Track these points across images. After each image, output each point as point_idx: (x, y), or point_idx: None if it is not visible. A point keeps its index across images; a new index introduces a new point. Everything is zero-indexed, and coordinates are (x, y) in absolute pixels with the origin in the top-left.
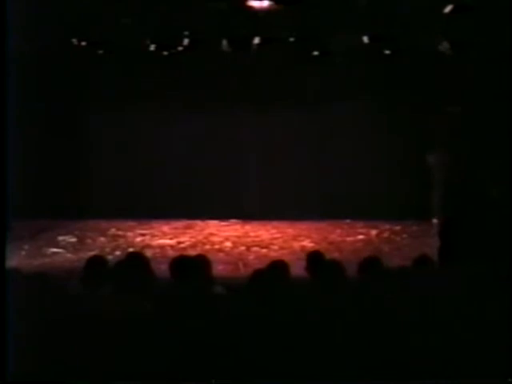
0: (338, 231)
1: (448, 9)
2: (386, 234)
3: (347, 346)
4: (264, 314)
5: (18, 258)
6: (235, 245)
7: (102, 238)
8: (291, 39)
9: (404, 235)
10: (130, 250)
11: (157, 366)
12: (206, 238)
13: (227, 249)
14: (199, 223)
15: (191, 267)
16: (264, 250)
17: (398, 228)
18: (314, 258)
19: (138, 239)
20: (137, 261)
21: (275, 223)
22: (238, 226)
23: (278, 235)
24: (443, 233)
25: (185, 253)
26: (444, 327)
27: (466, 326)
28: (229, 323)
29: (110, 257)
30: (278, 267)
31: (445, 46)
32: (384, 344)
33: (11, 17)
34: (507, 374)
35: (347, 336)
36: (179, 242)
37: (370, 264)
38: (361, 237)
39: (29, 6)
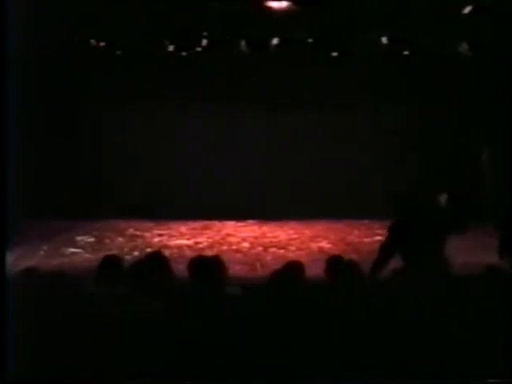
0: (356, 232)
1: (467, 10)
2: None
3: (346, 345)
4: (279, 315)
5: (36, 258)
6: (252, 245)
7: (120, 239)
8: (310, 40)
9: None
10: (148, 250)
11: (159, 365)
12: (223, 238)
13: (244, 249)
14: (217, 224)
15: (209, 267)
16: (281, 251)
17: None
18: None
19: (156, 239)
20: (157, 260)
21: (292, 224)
22: (255, 227)
23: (296, 236)
24: (394, 232)
25: (202, 253)
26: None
27: (465, 326)
28: (244, 323)
29: (127, 257)
30: (293, 268)
31: (464, 47)
32: (384, 344)
33: (11, 17)
34: (507, 373)
35: (348, 336)
36: (197, 243)
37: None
38: (378, 238)
39: (29, 6)
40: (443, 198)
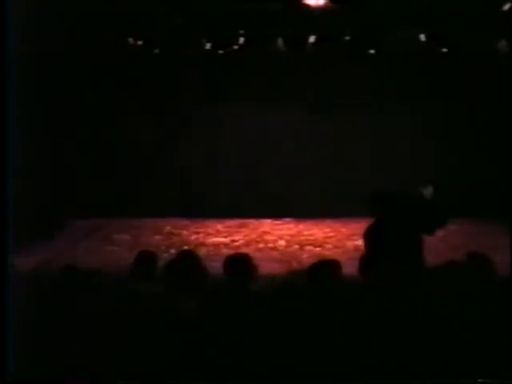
0: None
1: (507, 7)
2: (441, 233)
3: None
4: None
5: (73, 256)
6: (289, 243)
7: (157, 236)
8: (346, 37)
9: (460, 234)
10: (185, 247)
11: (157, 365)
12: (259, 236)
13: (281, 247)
14: (253, 222)
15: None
16: (318, 249)
17: (453, 227)
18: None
19: (193, 237)
20: (188, 259)
21: (329, 222)
22: (291, 225)
23: (332, 234)
24: (374, 232)
25: (239, 251)
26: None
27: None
28: (278, 321)
29: (165, 255)
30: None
31: (502, 44)
32: (385, 343)
33: (11, 17)
34: (507, 374)
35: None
36: (233, 241)
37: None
38: None
39: (29, 6)
40: (421, 193)
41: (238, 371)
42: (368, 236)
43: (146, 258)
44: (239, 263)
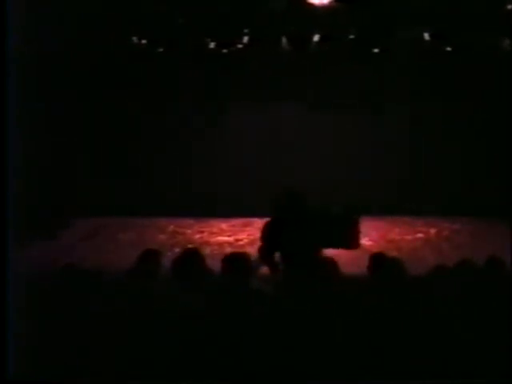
0: (397, 229)
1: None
2: (445, 233)
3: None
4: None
5: (76, 255)
6: None
7: (162, 235)
8: (351, 36)
9: (463, 234)
10: (189, 246)
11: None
12: None
13: None
14: (257, 221)
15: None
16: None
17: (456, 227)
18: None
19: (197, 236)
20: (192, 258)
21: None
22: None
23: None
24: (271, 231)
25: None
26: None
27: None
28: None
29: (169, 253)
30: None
31: (506, 43)
32: (385, 343)
33: (11, 17)
34: (508, 373)
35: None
36: (237, 240)
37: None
38: (420, 235)
39: (29, 6)
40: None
41: (240, 371)
42: (266, 231)
43: (150, 257)
44: (237, 261)
